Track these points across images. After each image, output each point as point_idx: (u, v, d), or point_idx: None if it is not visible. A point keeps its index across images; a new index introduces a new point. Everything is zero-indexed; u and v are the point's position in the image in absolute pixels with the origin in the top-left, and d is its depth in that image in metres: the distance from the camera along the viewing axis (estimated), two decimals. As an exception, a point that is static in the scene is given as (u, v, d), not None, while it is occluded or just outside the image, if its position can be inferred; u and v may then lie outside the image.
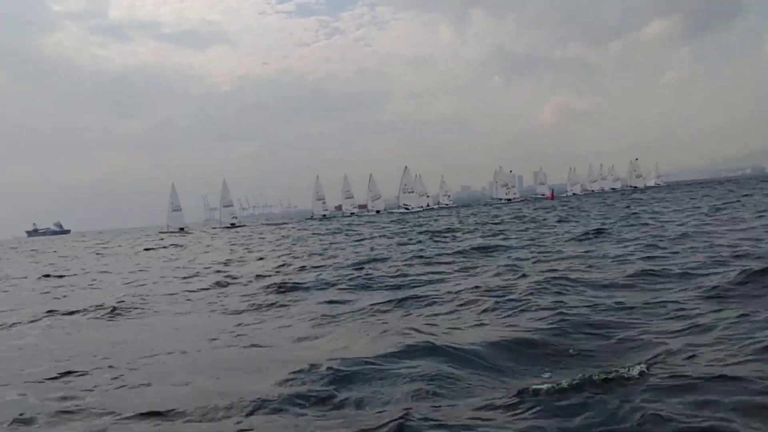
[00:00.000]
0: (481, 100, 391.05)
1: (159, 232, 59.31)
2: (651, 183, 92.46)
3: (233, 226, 56.90)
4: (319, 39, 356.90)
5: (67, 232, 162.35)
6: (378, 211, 66.24)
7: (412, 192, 69.23)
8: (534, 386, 3.69)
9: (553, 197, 73.95)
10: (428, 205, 70.78)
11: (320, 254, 16.59)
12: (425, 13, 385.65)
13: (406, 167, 69.60)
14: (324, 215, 66.31)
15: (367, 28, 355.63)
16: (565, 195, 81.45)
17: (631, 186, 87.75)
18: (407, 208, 66.06)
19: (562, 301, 6.45)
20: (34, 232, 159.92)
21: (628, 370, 3.80)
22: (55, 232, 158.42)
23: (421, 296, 7.66)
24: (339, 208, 71.81)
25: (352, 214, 67.69)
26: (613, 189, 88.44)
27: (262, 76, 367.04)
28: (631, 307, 5.93)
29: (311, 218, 66.36)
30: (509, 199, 77.25)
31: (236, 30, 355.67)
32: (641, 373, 3.76)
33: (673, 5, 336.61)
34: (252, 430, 3.47)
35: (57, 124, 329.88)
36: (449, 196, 79.24)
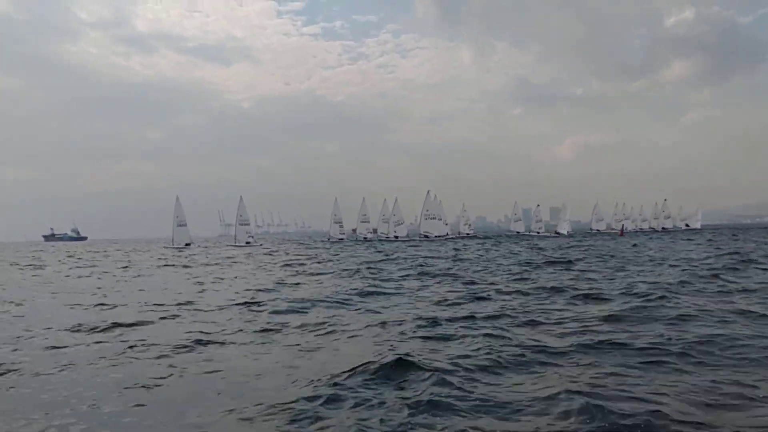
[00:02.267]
0: (499, 130, 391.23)
1: (164, 247, 57.64)
2: (680, 224, 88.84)
3: (248, 244, 55.27)
4: (343, 63, 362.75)
5: (84, 238, 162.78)
6: (397, 237, 64.04)
7: (434, 218, 66.65)
8: None
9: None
10: (448, 234, 67.86)
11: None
12: (448, 42, 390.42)
13: (428, 191, 66.46)
14: (341, 238, 64.57)
15: (390, 55, 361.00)
16: (595, 231, 78.43)
17: (662, 227, 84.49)
18: (426, 236, 63.78)
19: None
20: (51, 237, 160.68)
21: None
22: (72, 238, 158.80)
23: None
24: (354, 231, 69.72)
25: (365, 238, 65.68)
26: (642, 229, 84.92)
27: (283, 95, 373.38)
28: None
29: (328, 240, 64.75)
30: (538, 232, 75.00)
31: (260, 48, 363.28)
32: None
33: (696, 46, 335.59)
34: None
35: (74, 132, 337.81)
36: (470, 225, 76.80)
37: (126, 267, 24.88)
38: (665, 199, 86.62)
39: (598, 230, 79.67)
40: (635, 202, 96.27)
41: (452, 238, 66.76)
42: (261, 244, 57.70)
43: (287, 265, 23.34)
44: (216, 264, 25.80)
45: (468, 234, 72.36)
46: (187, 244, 53.13)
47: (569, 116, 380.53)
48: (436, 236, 63.03)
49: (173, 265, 25.76)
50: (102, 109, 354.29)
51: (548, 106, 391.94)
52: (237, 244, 55.29)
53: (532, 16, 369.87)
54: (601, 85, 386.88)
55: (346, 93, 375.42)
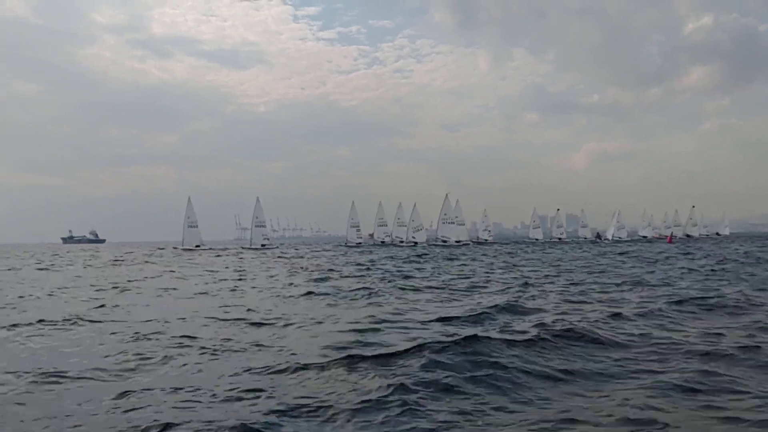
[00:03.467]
0: (515, 136, 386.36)
1: (173, 248, 57.06)
2: (703, 232, 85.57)
3: (264, 247, 54.31)
4: (359, 68, 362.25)
5: (102, 241, 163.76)
6: (416, 243, 62.47)
7: (452, 223, 64.81)
8: None
9: (671, 240, 67.07)
10: (458, 241, 65.70)
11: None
12: (464, 48, 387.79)
13: (447, 195, 64.64)
14: (359, 243, 63.36)
15: (406, 60, 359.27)
16: (613, 239, 76.12)
17: (686, 234, 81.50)
18: (444, 241, 62.06)
19: None
20: (69, 239, 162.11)
21: None
22: (90, 241, 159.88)
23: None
24: (371, 236, 68.31)
25: (382, 242, 64.28)
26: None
27: (298, 100, 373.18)
28: None
29: (346, 245, 63.60)
30: (559, 238, 73.06)
31: (275, 53, 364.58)
32: None
33: (714, 53, 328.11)
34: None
35: (89, 136, 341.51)
36: (489, 231, 74.84)
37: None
38: (693, 206, 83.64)
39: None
40: (654, 210, 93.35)
41: (479, 243, 65.09)
42: (277, 247, 56.72)
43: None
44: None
45: (486, 240, 70.40)
46: (197, 246, 52.33)
47: (585, 123, 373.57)
48: (455, 242, 61.27)
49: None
50: (117, 114, 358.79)
51: (564, 113, 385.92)
52: (252, 246, 54.36)
53: (550, 23, 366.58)
54: (618, 92, 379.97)
55: (361, 98, 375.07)
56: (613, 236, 73.85)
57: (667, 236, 71.65)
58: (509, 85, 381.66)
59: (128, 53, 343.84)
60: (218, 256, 40.81)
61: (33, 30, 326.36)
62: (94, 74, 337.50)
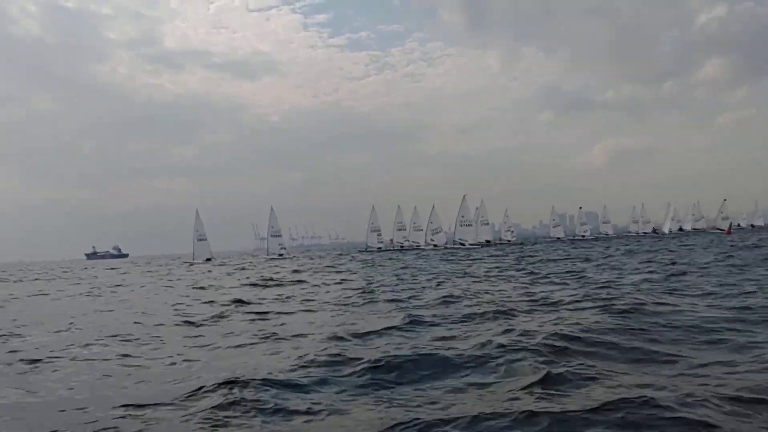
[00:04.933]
0: (530, 137, 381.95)
1: (183, 262, 55.28)
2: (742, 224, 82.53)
3: (281, 257, 53.72)
4: (370, 74, 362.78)
5: (126, 255, 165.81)
6: (436, 246, 61.39)
7: (470, 225, 63.59)
8: None
9: (729, 232, 65.92)
10: (488, 242, 64.42)
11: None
12: (475, 49, 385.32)
13: (464, 196, 63.48)
14: (379, 248, 62.56)
15: (416, 64, 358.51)
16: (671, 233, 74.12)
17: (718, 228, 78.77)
18: (462, 244, 60.80)
19: None
20: (93, 255, 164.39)
21: None
22: (113, 256, 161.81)
23: None
24: (392, 241, 67.51)
25: (402, 247, 63.38)
26: (696, 229, 79.33)
27: (311, 108, 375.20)
28: None
29: (365, 250, 62.85)
30: (583, 236, 71.45)
31: (286, 61, 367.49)
32: None
33: (730, 44, 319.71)
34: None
35: (107, 151, 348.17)
36: (512, 231, 73.30)
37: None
38: (725, 200, 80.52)
39: (695, 228, 75.39)
40: (676, 204, 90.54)
41: (500, 243, 63.76)
42: (294, 257, 56.18)
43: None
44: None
45: (509, 241, 68.97)
46: (207, 259, 51.09)
47: (600, 121, 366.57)
48: (470, 244, 59.94)
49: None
50: (134, 128, 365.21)
51: (579, 111, 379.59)
52: (270, 256, 53.90)
53: (560, 21, 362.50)
54: (632, 88, 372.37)
55: (373, 104, 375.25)
56: (670, 230, 72.63)
57: (724, 229, 69.80)
58: (522, 85, 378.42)
59: (142, 68, 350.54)
60: (222, 264, 40.15)
61: (49, 48, 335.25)
62: (110, 89, 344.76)
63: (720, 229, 71.20)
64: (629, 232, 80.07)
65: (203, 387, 5.16)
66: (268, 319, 10.12)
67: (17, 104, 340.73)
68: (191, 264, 48.57)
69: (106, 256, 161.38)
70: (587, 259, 25.72)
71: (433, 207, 63.39)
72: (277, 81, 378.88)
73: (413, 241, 63.19)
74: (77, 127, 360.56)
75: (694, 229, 75.56)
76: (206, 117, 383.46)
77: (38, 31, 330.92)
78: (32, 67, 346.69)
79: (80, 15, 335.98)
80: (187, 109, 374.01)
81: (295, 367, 5.80)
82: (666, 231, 73.18)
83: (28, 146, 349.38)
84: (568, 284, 14.08)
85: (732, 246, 31.50)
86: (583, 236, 71.62)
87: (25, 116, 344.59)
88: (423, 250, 57.36)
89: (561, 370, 5.00)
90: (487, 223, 63.92)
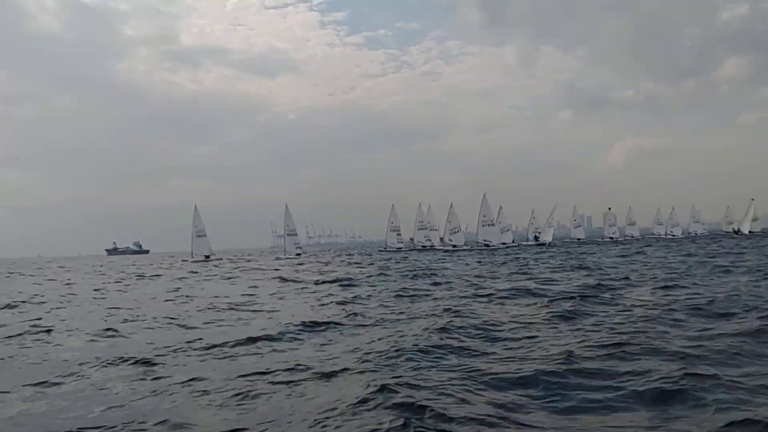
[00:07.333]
0: (549, 136, 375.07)
1: (182, 261, 53.12)
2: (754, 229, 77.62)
3: (298, 256, 52.03)
4: (387, 72, 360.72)
5: (146, 252, 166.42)
6: (455, 246, 59.21)
7: (492, 225, 61.11)
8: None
9: None
10: (513, 241, 61.95)
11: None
12: (493, 47, 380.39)
13: (485, 195, 60.88)
14: (399, 247, 60.76)
15: (434, 62, 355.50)
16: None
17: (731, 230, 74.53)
18: (487, 245, 58.46)
19: None
20: (114, 251, 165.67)
21: None
22: (134, 252, 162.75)
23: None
24: (411, 240, 65.63)
25: (423, 246, 61.44)
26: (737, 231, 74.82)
27: (328, 106, 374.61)
28: None
29: (385, 249, 61.09)
30: (611, 238, 68.54)
31: (304, 59, 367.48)
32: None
33: (754, 43, 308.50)
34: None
35: (126, 149, 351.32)
36: (539, 232, 70.65)
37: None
38: (752, 199, 76.17)
39: (751, 232, 70.77)
40: (701, 205, 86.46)
41: (528, 244, 61.41)
42: (309, 255, 54.60)
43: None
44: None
45: (542, 241, 66.43)
46: (206, 257, 49.18)
47: (620, 119, 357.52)
48: (494, 245, 57.58)
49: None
50: (153, 126, 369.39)
51: (598, 109, 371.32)
52: (287, 255, 52.34)
53: (579, 18, 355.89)
54: (652, 86, 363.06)
55: (390, 102, 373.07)
56: (749, 230, 68.68)
57: None
58: (541, 83, 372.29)
59: (160, 65, 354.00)
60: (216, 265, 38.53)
61: (67, 45, 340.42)
62: (129, 87, 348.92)
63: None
64: (653, 234, 76.27)
65: None
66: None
67: (36, 102, 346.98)
68: (193, 261, 47.01)
69: (126, 252, 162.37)
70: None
71: (451, 205, 61.05)
72: (294, 79, 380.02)
73: (447, 241, 60.55)
74: (96, 126, 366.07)
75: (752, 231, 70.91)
76: (224, 115, 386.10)
77: (56, 28, 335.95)
78: (51, 64, 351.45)
79: (98, 11, 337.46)
80: (204, 107, 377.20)
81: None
82: (746, 231, 68.34)
83: (47, 144, 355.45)
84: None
85: None
86: (612, 238, 68.62)
87: (45, 114, 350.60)
88: (459, 250, 55.07)
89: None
90: (492, 224, 61.00)
